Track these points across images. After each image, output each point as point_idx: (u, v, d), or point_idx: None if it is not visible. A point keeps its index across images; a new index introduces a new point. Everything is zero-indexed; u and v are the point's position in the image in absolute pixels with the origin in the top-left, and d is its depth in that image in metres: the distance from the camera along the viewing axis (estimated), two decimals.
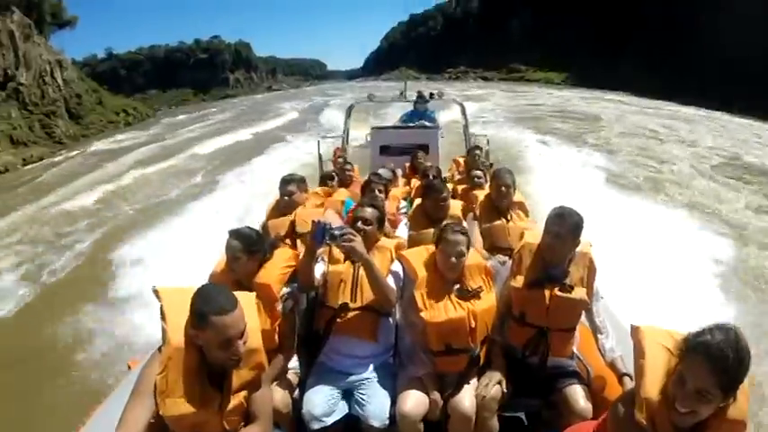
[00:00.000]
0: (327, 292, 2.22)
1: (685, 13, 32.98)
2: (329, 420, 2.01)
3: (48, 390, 4.45)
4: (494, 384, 2.06)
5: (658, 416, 1.33)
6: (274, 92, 78.73)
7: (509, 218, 3.28)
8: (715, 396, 1.22)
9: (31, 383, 4.54)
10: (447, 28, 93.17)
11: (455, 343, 2.07)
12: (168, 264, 5.93)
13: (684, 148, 14.43)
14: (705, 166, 12.07)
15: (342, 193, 4.10)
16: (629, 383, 1.81)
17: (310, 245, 2.05)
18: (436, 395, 2.04)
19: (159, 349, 1.55)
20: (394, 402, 2.04)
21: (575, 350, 2.25)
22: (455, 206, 3.24)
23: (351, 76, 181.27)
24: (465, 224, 3.10)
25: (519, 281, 2.14)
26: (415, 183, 4.57)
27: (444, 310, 2.06)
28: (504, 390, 2.07)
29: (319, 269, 2.22)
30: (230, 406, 1.55)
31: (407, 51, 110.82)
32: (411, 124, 7.15)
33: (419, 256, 2.20)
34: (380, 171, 4.58)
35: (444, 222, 2.85)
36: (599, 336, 2.11)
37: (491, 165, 5.44)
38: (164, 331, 1.54)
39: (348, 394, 2.14)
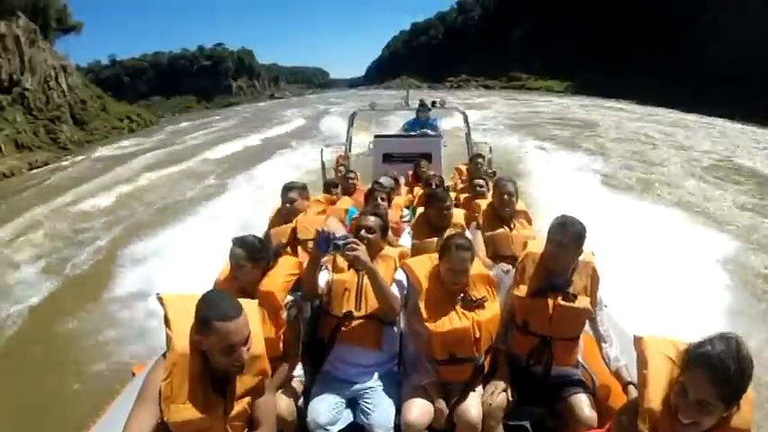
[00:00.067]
0: (332, 301, 2.23)
1: (687, 17, 33.03)
2: (334, 429, 2.02)
3: (52, 395, 4.44)
4: (499, 393, 2.06)
5: (661, 426, 1.33)
6: (277, 100, 79.16)
7: (512, 226, 3.28)
8: (717, 407, 1.22)
9: (36, 390, 4.53)
10: (448, 37, 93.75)
11: (459, 352, 2.07)
12: (174, 270, 5.93)
13: (679, 152, 14.63)
14: (710, 172, 12.20)
15: (345, 202, 4.13)
16: (634, 392, 1.81)
17: (314, 254, 2.07)
18: (441, 404, 2.03)
19: (164, 356, 1.56)
20: (398, 411, 2.04)
21: (579, 359, 2.25)
22: (458, 215, 3.25)
23: (352, 84, 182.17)
24: (468, 232, 3.13)
25: (522, 290, 2.15)
26: (418, 191, 4.59)
27: (449, 320, 2.06)
28: (510, 398, 2.07)
29: (323, 278, 2.23)
30: (234, 412, 1.57)
31: (409, 60, 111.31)
32: (413, 133, 7.18)
33: (423, 266, 2.21)
34: (382, 179, 4.59)
35: (447, 233, 2.87)
36: (603, 345, 2.11)
37: (494, 173, 5.47)
38: (168, 338, 1.55)
39: (353, 403, 2.14)
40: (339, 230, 3.03)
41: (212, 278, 2.32)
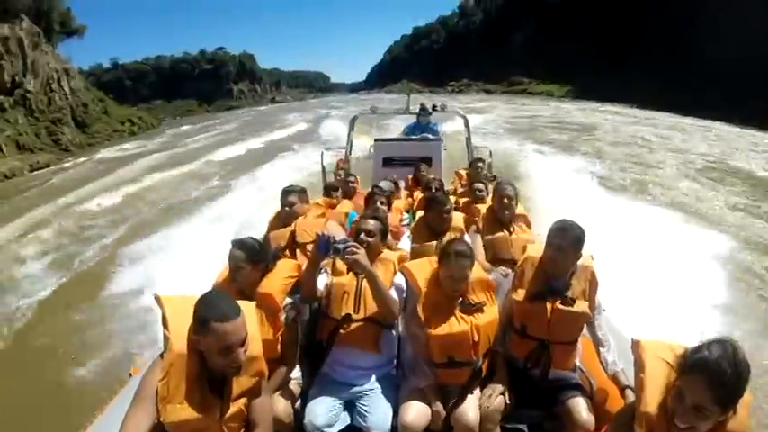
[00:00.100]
0: (331, 303, 2.23)
1: (687, 18, 33.06)
2: (331, 431, 2.02)
3: (50, 395, 4.43)
4: (497, 395, 2.06)
5: (658, 430, 1.33)
6: (278, 104, 79.36)
7: (511, 230, 3.29)
8: (713, 412, 1.22)
9: (34, 389, 4.53)
10: (450, 41, 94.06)
11: (458, 356, 2.08)
12: (174, 271, 5.94)
13: (676, 155, 14.74)
14: (704, 174, 12.29)
15: (345, 205, 4.14)
16: (631, 396, 1.81)
17: (314, 257, 2.08)
18: (439, 406, 2.03)
19: (161, 356, 1.56)
20: (396, 413, 2.04)
21: (577, 362, 2.25)
22: (457, 218, 3.25)
23: (354, 88, 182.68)
24: (467, 236, 3.13)
25: (520, 294, 2.15)
26: (418, 195, 4.59)
27: (447, 324, 2.06)
28: (507, 401, 2.07)
29: (322, 280, 2.24)
30: (230, 413, 1.57)
31: (410, 65, 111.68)
32: (414, 137, 7.20)
33: (422, 269, 2.21)
34: (381, 183, 4.60)
35: (447, 237, 2.87)
36: (601, 349, 2.11)
37: (494, 177, 5.46)
38: (165, 338, 1.56)
39: (350, 405, 2.14)
40: (339, 234, 3.04)
41: (211, 280, 2.33)
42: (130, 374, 2.45)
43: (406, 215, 4.31)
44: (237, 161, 17.50)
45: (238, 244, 2.15)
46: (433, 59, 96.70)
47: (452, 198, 3.92)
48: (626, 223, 7.24)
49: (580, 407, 2.00)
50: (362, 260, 2.02)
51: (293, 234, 3.25)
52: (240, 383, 1.59)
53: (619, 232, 6.39)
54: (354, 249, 2.01)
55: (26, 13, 25.65)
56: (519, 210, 3.41)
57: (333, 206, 4.11)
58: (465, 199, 4.14)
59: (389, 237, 2.70)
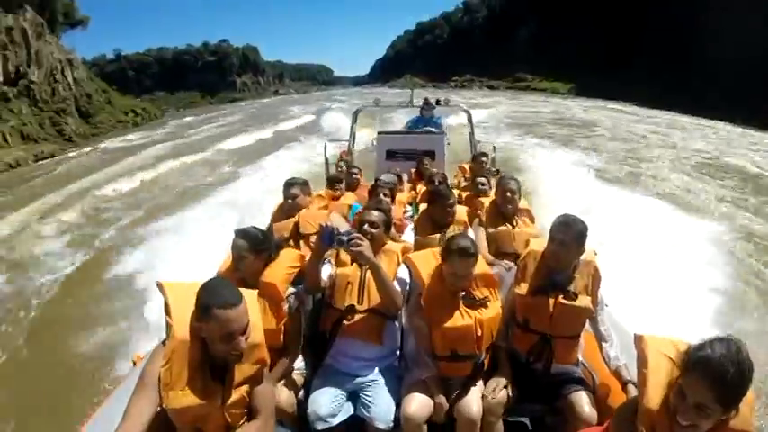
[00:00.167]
0: (334, 294, 2.23)
1: (688, 18, 32.91)
2: (334, 421, 2.02)
3: (54, 384, 4.46)
4: (500, 389, 2.06)
5: (659, 426, 1.32)
6: (281, 96, 79.19)
7: (515, 224, 3.29)
8: (715, 411, 1.21)
9: (38, 379, 4.55)
10: (453, 37, 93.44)
11: (461, 349, 2.08)
12: (178, 259, 5.94)
13: (672, 151, 14.83)
14: (700, 169, 12.38)
15: (349, 197, 4.14)
16: (633, 391, 1.81)
17: (317, 248, 2.07)
18: (441, 398, 2.04)
19: (163, 343, 1.57)
20: (399, 405, 2.05)
21: (580, 357, 2.25)
22: (461, 212, 3.25)
23: (357, 82, 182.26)
24: (471, 230, 3.13)
25: (523, 288, 2.15)
26: (421, 188, 4.59)
27: (452, 318, 2.06)
28: (510, 394, 2.07)
29: (326, 271, 2.24)
30: (232, 400, 1.58)
31: (414, 59, 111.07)
32: (417, 130, 7.18)
33: (426, 261, 2.20)
34: (384, 176, 4.59)
35: (450, 231, 2.87)
36: (603, 344, 2.11)
37: (497, 171, 5.46)
38: (168, 325, 1.57)
39: (353, 396, 2.15)
40: (342, 226, 3.04)
41: (214, 269, 2.33)
42: (134, 362, 2.46)
43: (409, 208, 4.31)
44: (241, 152, 17.50)
45: (241, 233, 2.15)
46: (437, 55, 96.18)
47: (455, 192, 3.91)
48: (627, 218, 7.21)
49: (582, 401, 2.00)
50: (366, 251, 2.02)
51: (297, 225, 3.26)
52: (242, 371, 1.59)
53: (620, 227, 6.38)
54: (358, 241, 2.01)
55: (30, 3, 25.59)
56: (522, 204, 3.41)
57: (336, 198, 4.11)
58: (468, 193, 4.13)
59: (393, 230, 2.70)
